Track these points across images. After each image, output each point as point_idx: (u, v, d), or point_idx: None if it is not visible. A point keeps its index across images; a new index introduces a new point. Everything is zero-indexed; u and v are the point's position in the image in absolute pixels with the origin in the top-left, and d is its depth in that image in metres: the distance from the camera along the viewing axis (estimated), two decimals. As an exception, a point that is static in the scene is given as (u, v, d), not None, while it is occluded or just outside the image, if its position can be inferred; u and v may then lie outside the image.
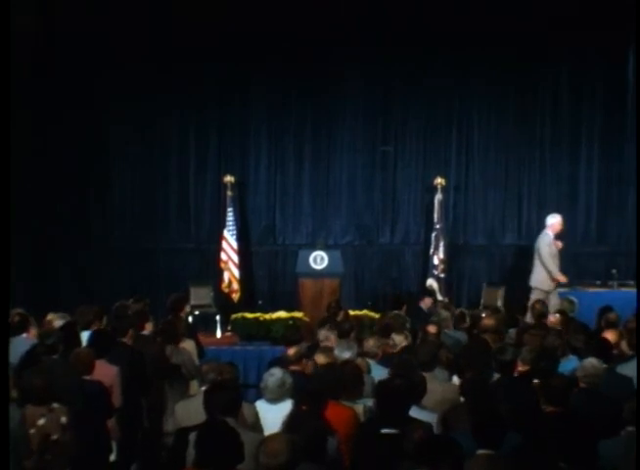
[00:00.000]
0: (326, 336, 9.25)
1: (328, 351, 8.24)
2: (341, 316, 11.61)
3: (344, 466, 6.23)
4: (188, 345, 9.78)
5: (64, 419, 6.80)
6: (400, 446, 5.88)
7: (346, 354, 8.09)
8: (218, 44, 15.93)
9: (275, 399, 6.82)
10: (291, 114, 16.53)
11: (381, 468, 5.90)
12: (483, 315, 11.15)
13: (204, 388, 6.97)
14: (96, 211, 16.40)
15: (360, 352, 8.64)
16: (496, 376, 7.70)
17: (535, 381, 7.36)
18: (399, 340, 9.13)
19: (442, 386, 7.55)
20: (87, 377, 7.68)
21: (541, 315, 10.97)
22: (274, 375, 6.99)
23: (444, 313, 11.32)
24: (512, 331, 10.19)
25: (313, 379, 7.10)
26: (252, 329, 14.09)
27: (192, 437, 5.49)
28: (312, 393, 6.44)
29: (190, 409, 6.63)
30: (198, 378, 9.39)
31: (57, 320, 9.39)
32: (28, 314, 9.52)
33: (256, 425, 6.66)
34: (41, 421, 6.74)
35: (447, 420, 6.63)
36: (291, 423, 6.04)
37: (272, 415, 6.52)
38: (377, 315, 13.11)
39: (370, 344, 8.78)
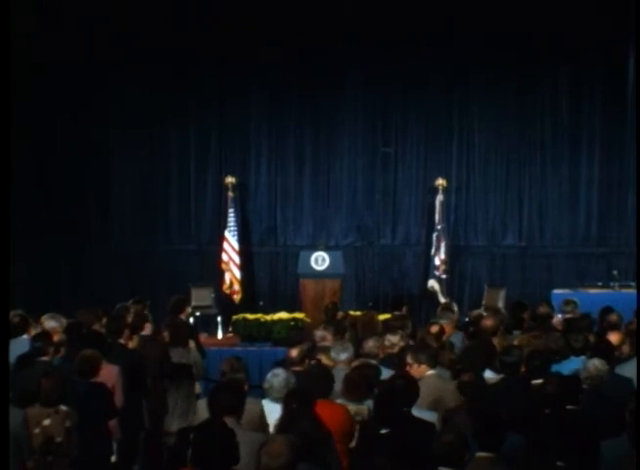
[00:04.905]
0: (322, 336, 9.27)
1: (328, 351, 8.26)
2: (340, 317, 11.59)
3: (341, 465, 6.23)
4: (190, 345, 9.81)
5: (68, 423, 6.82)
6: (398, 447, 5.89)
7: (343, 356, 8.09)
8: (219, 45, 15.95)
9: (281, 399, 6.80)
10: (291, 114, 16.55)
11: (380, 469, 5.90)
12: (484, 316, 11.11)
13: None
14: (96, 213, 16.42)
15: (361, 352, 8.65)
16: (496, 377, 7.70)
17: (536, 382, 7.34)
18: (395, 340, 9.12)
19: (444, 386, 7.55)
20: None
21: (546, 317, 10.92)
22: (278, 375, 7.04)
23: (446, 315, 11.27)
24: (515, 333, 10.17)
25: (305, 379, 7.12)
26: (254, 330, 14.08)
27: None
28: (301, 392, 6.46)
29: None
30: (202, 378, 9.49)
31: (47, 321, 9.35)
32: (28, 316, 9.51)
33: (262, 421, 6.70)
34: (46, 422, 6.77)
35: (449, 420, 6.62)
36: (283, 424, 6.03)
37: (277, 415, 6.50)
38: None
39: (369, 345, 8.80)
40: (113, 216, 16.54)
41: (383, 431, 6.18)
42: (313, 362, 8.11)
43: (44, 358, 8.04)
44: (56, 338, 8.56)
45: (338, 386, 7.14)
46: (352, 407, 6.91)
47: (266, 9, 15.58)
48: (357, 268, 16.43)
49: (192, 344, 9.82)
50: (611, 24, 15.55)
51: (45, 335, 8.46)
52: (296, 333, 9.77)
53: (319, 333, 9.37)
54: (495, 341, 9.20)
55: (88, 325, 9.31)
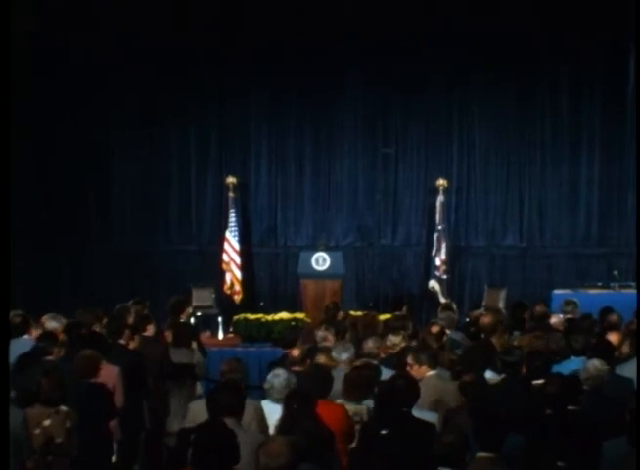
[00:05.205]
0: (323, 336, 9.28)
1: (329, 351, 8.26)
2: (340, 317, 11.60)
3: (341, 465, 6.24)
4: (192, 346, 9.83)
5: (68, 423, 6.81)
6: (398, 447, 5.89)
7: (344, 356, 8.11)
8: (219, 45, 15.95)
9: (282, 399, 6.81)
10: (291, 114, 16.55)
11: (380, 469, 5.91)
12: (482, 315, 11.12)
13: None
14: (96, 213, 16.43)
15: (361, 353, 8.65)
16: (497, 378, 7.70)
17: (537, 382, 7.34)
18: (397, 340, 9.13)
19: (445, 386, 7.55)
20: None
21: (543, 317, 10.94)
22: (279, 376, 7.04)
23: (448, 315, 11.28)
24: (516, 333, 10.18)
25: (303, 379, 7.12)
26: (254, 330, 14.10)
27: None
28: (301, 393, 6.46)
29: (203, 409, 6.62)
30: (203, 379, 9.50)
31: (49, 322, 9.36)
32: (29, 316, 9.50)
33: (259, 421, 6.69)
34: (47, 422, 6.75)
35: (449, 421, 6.61)
36: (284, 424, 6.03)
37: (278, 416, 6.50)
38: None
39: (369, 345, 8.81)
40: (113, 216, 16.53)
41: (383, 431, 6.17)
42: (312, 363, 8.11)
43: (48, 358, 8.05)
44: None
45: (339, 386, 7.14)
46: (351, 408, 6.92)
47: (266, 9, 15.58)
48: (358, 269, 16.43)
49: (193, 344, 9.83)
50: (611, 24, 15.56)
51: (50, 335, 8.47)
52: (289, 333, 9.77)
53: (320, 333, 9.39)
54: (495, 341, 9.20)
55: (88, 325, 9.32)
